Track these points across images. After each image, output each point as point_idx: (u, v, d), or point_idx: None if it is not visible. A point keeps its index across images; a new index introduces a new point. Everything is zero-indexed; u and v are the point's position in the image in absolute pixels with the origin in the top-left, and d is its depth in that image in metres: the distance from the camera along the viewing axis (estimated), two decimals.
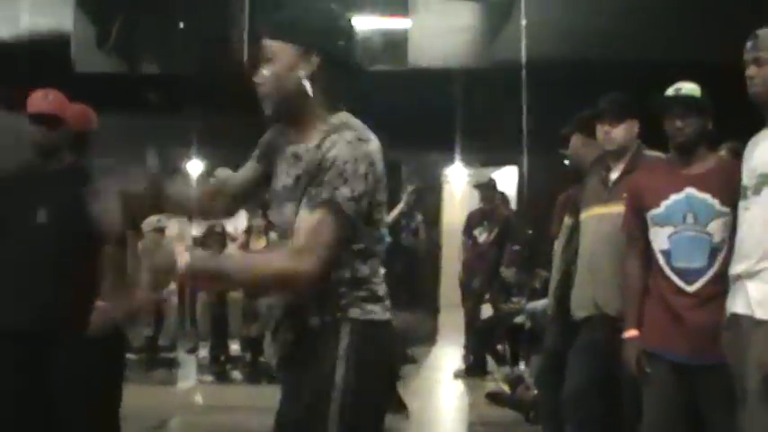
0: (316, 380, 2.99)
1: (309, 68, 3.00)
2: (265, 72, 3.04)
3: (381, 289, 3.12)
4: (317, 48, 3.01)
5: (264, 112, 3.09)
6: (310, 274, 2.86)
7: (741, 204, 4.11)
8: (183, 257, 2.94)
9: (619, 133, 5.14)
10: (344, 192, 2.88)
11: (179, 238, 11.53)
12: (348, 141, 2.93)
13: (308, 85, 3.00)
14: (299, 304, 3.03)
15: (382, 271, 3.14)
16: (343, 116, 3.05)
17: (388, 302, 3.14)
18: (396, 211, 10.72)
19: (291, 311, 3.06)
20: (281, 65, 3.01)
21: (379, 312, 3.09)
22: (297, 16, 3.09)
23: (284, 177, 3.10)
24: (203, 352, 11.08)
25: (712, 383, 4.31)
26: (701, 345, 4.32)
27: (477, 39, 13.61)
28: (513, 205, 13.37)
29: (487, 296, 11.07)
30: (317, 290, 2.96)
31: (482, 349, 10.83)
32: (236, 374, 10.81)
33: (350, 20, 3.15)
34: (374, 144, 2.99)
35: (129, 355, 9.81)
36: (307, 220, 2.90)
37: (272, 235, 11.27)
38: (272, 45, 3.02)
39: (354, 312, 3.02)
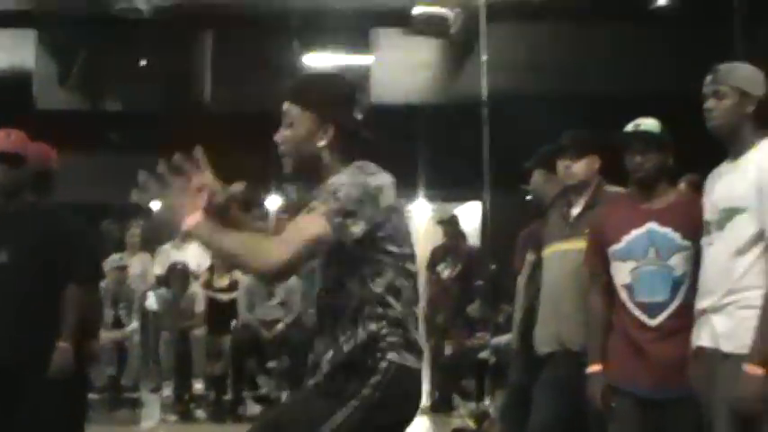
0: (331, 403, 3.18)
1: (327, 138, 3.30)
2: (286, 134, 3.34)
3: (413, 334, 3.29)
4: (335, 120, 3.31)
5: (284, 169, 3.38)
6: (280, 260, 3.02)
7: (704, 240, 4.13)
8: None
9: (579, 169, 5.17)
10: (333, 205, 3.08)
11: (141, 276, 11.47)
12: (348, 173, 3.21)
13: (323, 153, 3.30)
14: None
15: (416, 311, 3.33)
16: (357, 163, 3.29)
17: (420, 350, 3.32)
18: None
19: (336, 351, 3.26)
20: (301, 131, 3.31)
21: (412, 360, 3.27)
22: (319, 86, 3.42)
23: None
24: (167, 391, 10.96)
25: (676, 416, 4.33)
26: (664, 378, 4.34)
27: (438, 75, 13.68)
28: (477, 240, 13.40)
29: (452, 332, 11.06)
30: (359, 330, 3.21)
31: (447, 385, 10.81)
32: (200, 413, 10.70)
33: (361, 90, 3.33)
34: (379, 179, 3.23)
35: (92, 395, 9.74)
36: (296, 219, 3.13)
37: (236, 273, 11.26)
38: (293, 110, 3.32)
39: (392, 356, 3.21)
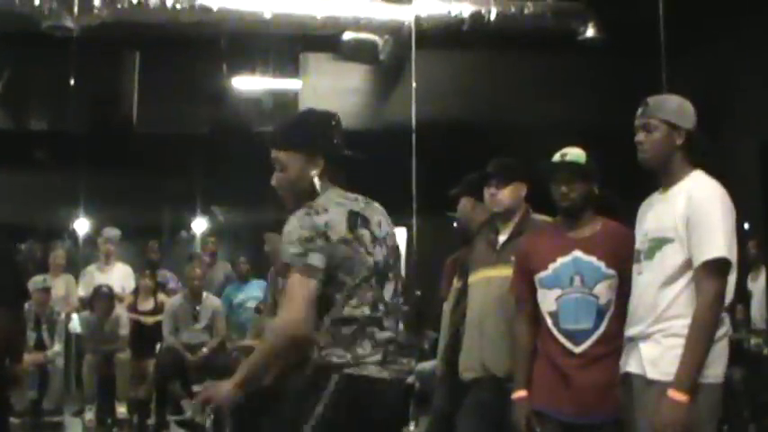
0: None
1: (317, 169, 3.64)
2: (281, 177, 3.68)
3: (371, 350, 3.58)
4: (322, 151, 3.65)
5: (286, 208, 3.67)
6: (299, 319, 3.36)
7: (635, 268, 4.18)
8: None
9: (505, 196, 5.20)
10: (291, 250, 3.42)
11: (65, 298, 11.35)
12: (297, 216, 3.50)
13: (317, 181, 3.64)
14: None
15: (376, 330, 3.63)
16: (333, 192, 3.68)
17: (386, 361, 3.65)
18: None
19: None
20: (293, 171, 3.65)
21: (371, 370, 3.56)
22: (301, 127, 3.75)
23: None
24: (89, 415, 10.82)
25: None
26: (587, 404, 4.38)
27: (367, 101, 13.71)
28: (402, 266, 13.42)
29: None
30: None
31: None
32: None
33: (338, 118, 3.74)
34: (327, 216, 3.52)
35: (13, 420, 9.59)
36: (285, 289, 3.45)
37: (160, 296, 11.19)
38: (282, 156, 3.67)
39: (347, 370, 3.50)
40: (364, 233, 3.63)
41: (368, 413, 3.54)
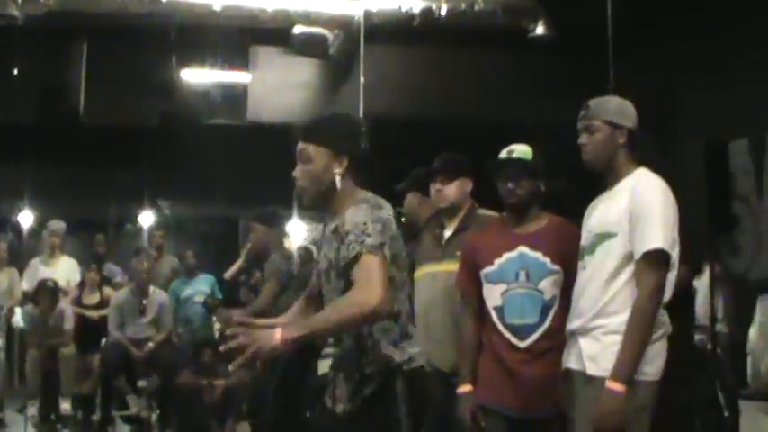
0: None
1: (341, 168, 3.71)
2: (305, 170, 3.74)
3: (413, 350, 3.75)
4: (348, 152, 3.72)
5: (303, 203, 3.83)
6: (380, 298, 3.36)
7: (579, 264, 4.22)
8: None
9: (451, 191, 5.23)
10: (370, 240, 3.47)
11: (8, 291, 11.23)
12: (364, 209, 3.58)
13: (338, 180, 3.71)
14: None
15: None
16: (363, 193, 3.74)
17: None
18: (234, 268, 10.64)
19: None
20: (318, 166, 3.72)
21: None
22: (332, 125, 3.82)
23: (328, 252, 3.75)
24: (32, 410, 10.73)
25: None
26: (532, 399, 4.42)
27: (317, 95, 13.66)
28: None
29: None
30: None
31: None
32: None
33: (366, 126, 3.88)
34: (387, 211, 3.65)
35: None
36: (356, 269, 3.46)
37: (106, 290, 11.11)
38: (310, 149, 3.73)
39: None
40: (399, 231, 3.73)
41: (427, 403, 3.90)
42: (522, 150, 4.65)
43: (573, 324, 4.16)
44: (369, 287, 3.39)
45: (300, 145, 3.76)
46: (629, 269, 3.99)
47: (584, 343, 4.07)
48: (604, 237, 4.07)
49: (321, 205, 3.83)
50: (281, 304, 7.77)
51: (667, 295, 4.01)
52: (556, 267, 4.47)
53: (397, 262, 3.63)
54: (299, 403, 7.00)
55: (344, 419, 3.67)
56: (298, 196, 3.85)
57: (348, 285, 3.54)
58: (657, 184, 4.10)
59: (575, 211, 4.57)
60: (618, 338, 3.93)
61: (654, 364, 3.96)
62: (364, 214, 3.56)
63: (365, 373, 3.64)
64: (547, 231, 4.58)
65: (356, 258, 3.46)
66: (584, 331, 4.07)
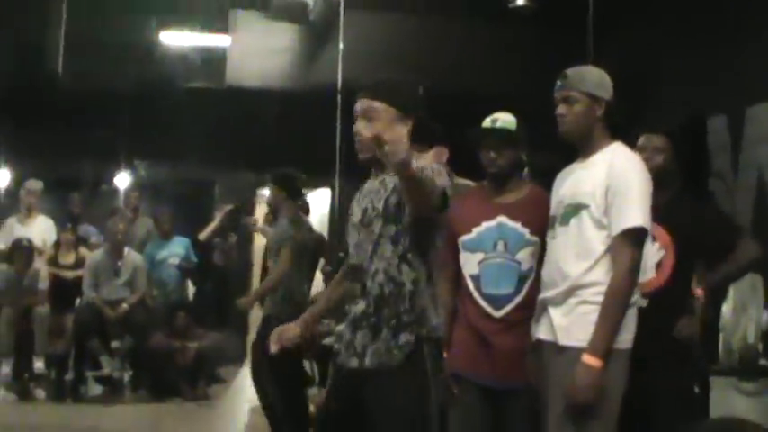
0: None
1: (405, 129, 3.76)
2: (367, 126, 3.74)
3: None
4: (413, 113, 3.79)
5: (359, 157, 3.82)
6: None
7: (549, 234, 4.24)
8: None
9: (427, 160, 5.22)
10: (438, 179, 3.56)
11: None
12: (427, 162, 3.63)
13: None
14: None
15: None
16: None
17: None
18: (209, 229, 10.64)
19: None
20: (382, 123, 3.71)
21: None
22: (399, 85, 3.85)
23: (377, 203, 3.79)
24: (5, 369, 10.74)
25: (517, 407, 4.43)
26: (506, 369, 4.43)
27: (296, 61, 13.65)
28: (326, 227, 13.45)
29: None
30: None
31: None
32: (40, 393, 10.51)
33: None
34: (444, 180, 3.64)
35: None
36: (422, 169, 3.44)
37: (82, 250, 11.09)
38: (377, 106, 3.75)
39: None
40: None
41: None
42: (505, 120, 4.64)
43: (544, 294, 4.19)
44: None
45: (366, 103, 3.78)
46: (604, 242, 4.01)
47: (556, 313, 4.10)
48: (577, 207, 4.09)
49: (374, 165, 3.85)
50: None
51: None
52: (534, 238, 4.47)
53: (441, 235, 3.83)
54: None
55: (373, 373, 3.70)
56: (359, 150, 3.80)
57: (398, 230, 3.70)
58: (635, 160, 4.14)
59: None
60: (590, 308, 3.97)
61: (626, 332, 4.00)
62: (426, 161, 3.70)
63: (403, 321, 3.68)
64: (527, 202, 4.58)
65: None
66: (556, 302, 4.10)
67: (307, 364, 10.18)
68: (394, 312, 3.68)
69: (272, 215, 8.42)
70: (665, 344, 4.55)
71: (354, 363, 3.72)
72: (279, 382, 7.33)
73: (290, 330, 4.04)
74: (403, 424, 3.62)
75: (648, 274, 4.57)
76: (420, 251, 3.74)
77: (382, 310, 3.69)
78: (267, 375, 7.37)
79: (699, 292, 4.69)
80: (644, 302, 4.40)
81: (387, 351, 3.66)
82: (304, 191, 8.92)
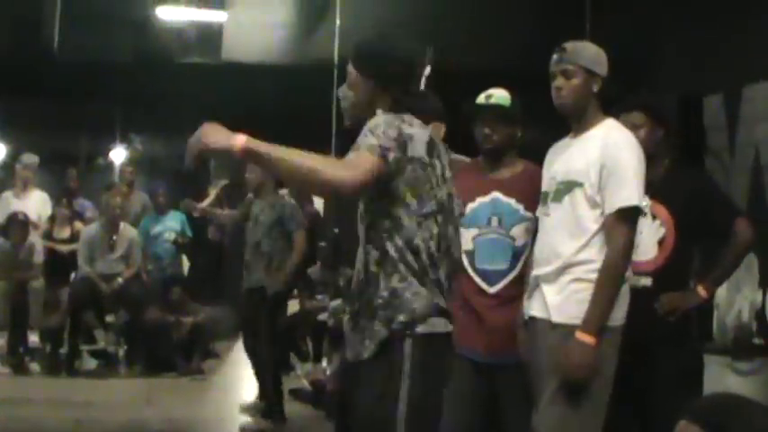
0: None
1: (384, 104, 3.49)
2: (348, 93, 3.58)
3: (439, 296, 3.42)
4: (394, 89, 3.51)
5: (344, 121, 3.65)
6: (356, 179, 3.20)
7: (540, 210, 4.25)
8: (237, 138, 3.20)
9: None
10: (370, 139, 3.28)
11: None
12: (386, 116, 3.40)
13: (380, 112, 3.45)
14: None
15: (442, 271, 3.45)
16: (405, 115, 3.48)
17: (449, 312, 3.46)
18: (203, 205, 10.65)
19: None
20: (360, 96, 3.55)
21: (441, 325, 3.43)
22: (382, 57, 3.53)
23: None
24: (1, 342, 10.75)
25: (510, 382, 4.44)
26: (499, 344, 4.44)
27: (292, 36, 13.62)
28: (320, 203, 13.45)
29: (294, 293, 11.09)
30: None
31: (285, 345, 10.83)
32: (35, 366, 10.52)
33: (423, 61, 3.67)
34: (412, 130, 3.39)
35: None
36: (347, 156, 3.28)
37: (77, 224, 11.09)
38: (353, 75, 3.56)
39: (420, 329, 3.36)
40: (436, 164, 3.46)
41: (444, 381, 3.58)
42: (500, 95, 4.62)
43: (537, 271, 4.19)
44: (348, 164, 3.24)
45: (348, 66, 3.58)
46: (597, 220, 4.02)
47: (548, 291, 4.11)
48: (571, 185, 4.09)
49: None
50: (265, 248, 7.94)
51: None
52: (529, 214, 4.47)
53: (416, 189, 3.37)
54: None
55: (351, 366, 3.52)
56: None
57: (363, 209, 3.47)
58: (629, 137, 4.13)
59: None
60: (583, 286, 3.99)
61: (618, 309, 4.01)
62: (383, 120, 3.37)
63: (374, 307, 3.37)
64: (521, 178, 4.58)
65: (354, 148, 3.30)
66: (549, 279, 4.11)
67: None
68: (366, 299, 3.41)
69: (253, 193, 8.43)
70: (668, 322, 4.55)
71: (347, 354, 3.58)
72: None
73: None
74: (362, 421, 3.41)
75: (650, 252, 4.56)
76: (382, 229, 3.39)
77: (359, 298, 3.45)
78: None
79: (702, 292, 4.67)
80: (648, 281, 4.42)
81: (360, 342, 3.40)
82: None
